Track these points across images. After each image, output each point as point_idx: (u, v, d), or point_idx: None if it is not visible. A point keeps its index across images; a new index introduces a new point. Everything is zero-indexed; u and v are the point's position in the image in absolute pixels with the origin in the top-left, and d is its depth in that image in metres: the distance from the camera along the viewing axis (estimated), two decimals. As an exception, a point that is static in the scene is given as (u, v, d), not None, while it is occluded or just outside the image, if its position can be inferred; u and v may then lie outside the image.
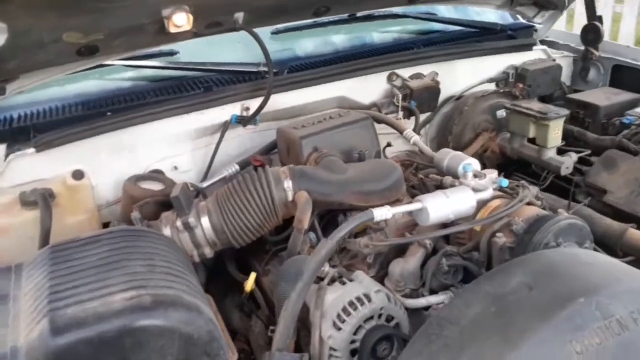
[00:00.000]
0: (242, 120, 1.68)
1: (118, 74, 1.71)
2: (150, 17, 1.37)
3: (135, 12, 1.34)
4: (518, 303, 0.86)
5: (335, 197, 1.36)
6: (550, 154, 1.72)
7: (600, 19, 2.04)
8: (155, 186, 1.52)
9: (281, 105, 1.74)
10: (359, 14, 2.02)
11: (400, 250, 1.36)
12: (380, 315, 1.09)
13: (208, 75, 1.76)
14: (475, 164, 1.43)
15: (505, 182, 1.34)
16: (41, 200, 1.31)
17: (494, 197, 1.32)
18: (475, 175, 1.35)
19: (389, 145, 1.83)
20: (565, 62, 2.20)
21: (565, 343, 0.79)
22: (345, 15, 1.97)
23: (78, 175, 1.53)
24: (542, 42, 2.28)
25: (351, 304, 1.08)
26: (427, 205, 1.19)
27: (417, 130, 1.92)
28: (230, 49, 1.81)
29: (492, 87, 2.06)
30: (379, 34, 2.08)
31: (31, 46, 1.28)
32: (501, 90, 1.99)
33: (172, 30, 1.39)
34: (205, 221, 1.34)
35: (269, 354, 1.04)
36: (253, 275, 1.25)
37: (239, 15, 1.53)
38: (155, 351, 0.91)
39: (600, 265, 0.95)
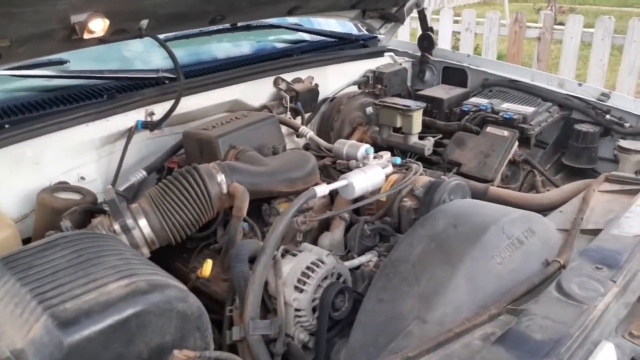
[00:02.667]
0: (148, 126, 1.72)
1: (9, 84, 1.60)
2: (60, 22, 1.36)
3: (45, 18, 1.32)
4: (449, 237, 1.15)
5: (265, 186, 1.51)
6: (414, 139, 2.10)
7: (431, 29, 2.53)
8: (74, 196, 1.49)
9: (182, 110, 1.81)
10: (239, 24, 2.18)
11: (324, 227, 1.58)
12: (333, 275, 1.29)
13: (106, 83, 1.74)
14: (369, 148, 1.72)
15: (398, 160, 1.65)
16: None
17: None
18: (374, 157, 1.64)
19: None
20: (406, 66, 2.65)
21: (489, 258, 1.08)
22: (227, 25, 2.11)
23: (-22, 193, 1.42)
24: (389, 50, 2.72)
25: (309, 268, 1.25)
26: (352, 181, 1.42)
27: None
28: (116, 57, 1.82)
29: (355, 88, 2.39)
30: (260, 42, 2.27)
31: None
32: (366, 91, 2.34)
33: (86, 36, 1.39)
34: (142, 222, 1.37)
35: (244, 325, 1.16)
36: (209, 262, 1.33)
37: (144, 22, 1.58)
38: (157, 331, 0.98)
39: (491, 206, 1.30)
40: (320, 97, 2.27)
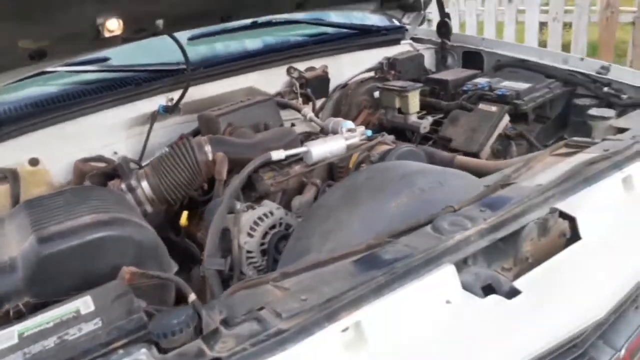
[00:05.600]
0: (167, 109, 2.07)
1: (60, 79, 2.05)
2: (87, 24, 1.74)
3: (74, 20, 1.70)
4: (361, 186, 1.32)
5: (247, 155, 1.78)
6: (413, 118, 2.23)
7: (448, 15, 2.62)
8: (101, 164, 1.88)
9: (200, 96, 2.15)
10: (260, 21, 2.47)
11: (299, 191, 1.80)
12: (281, 224, 1.51)
13: (137, 75, 2.13)
14: (350, 124, 1.91)
15: (369, 132, 1.83)
16: (10, 174, 1.64)
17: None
18: (349, 130, 1.83)
19: (293, 125, 2.30)
20: (428, 53, 2.76)
21: (386, 202, 1.24)
22: (248, 22, 2.42)
23: (34, 162, 1.86)
24: (413, 38, 2.85)
25: (259, 218, 1.50)
26: (310, 148, 1.64)
27: (315, 112, 2.39)
28: (151, 53, 2.19)
29: (370, 75, 2.57)
30: (278, 36, 2.55)
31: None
32: (377, 76, 2.51)
33: (106, 34, 1.76)
34: (144, 183, 1.71)
35: (203, 262, 1.44)
36: (185, 213, 1.63)
37: (160, 22, 1.93)
38: (115, 255, 1.26)
39: (410, 164, 1.44)
40: (335, 84, 2.49)
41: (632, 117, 1.65)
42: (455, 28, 6.71)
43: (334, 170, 1.81)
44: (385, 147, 1.72)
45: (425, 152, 1.87)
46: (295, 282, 1.03)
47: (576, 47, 5.72)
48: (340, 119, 1.98)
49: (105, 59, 2.14)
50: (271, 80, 2.33)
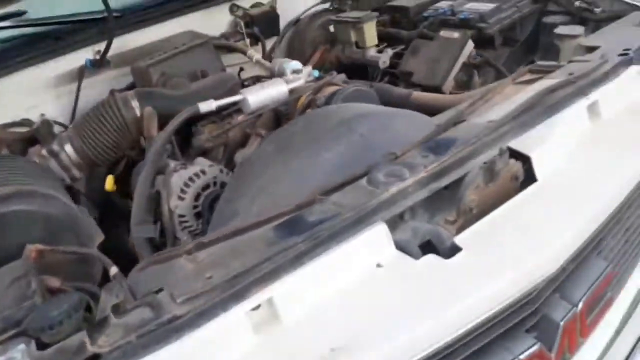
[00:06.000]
0: (95, 63, 1.86)
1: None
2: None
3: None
4: (295, 136, 1.17)
5: (180, 108, 1.60)
6: (371, 52, 2.03)
7: None
8: (22, 129, 1.69)
9: (131, 45, 1.93)
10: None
11: (244, 144, 1.64)
12: (215, 183, 1.36)
13: (58, 28, 1.90)
14: (296, 65, 1.72)
15: (316, 73, 1.65)
16: None
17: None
18: (294, 71, 1.65)
19: (242, 69, 2.10)
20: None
21: (322, 153, 1.09)
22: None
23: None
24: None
25: (190, 178, 1.35)
26: (246, 96, 1.46)
27: (265, 52, 2.19)
28: (74, 2, 1.95)
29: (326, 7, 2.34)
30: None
31: None
32: (331, 8, 2.28)
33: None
34: (68, 147, 1.54)
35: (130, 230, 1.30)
36: (110, 177, 1.48)
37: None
38: (22, 232, 1.13)
39: (353, 107, 1.28)
40: (288, 20, 2.27)
41: (603, 33, 1.47)
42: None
43: (280, 118, 1.64)
44: (333, 89, 1.55)
45: (380, 90, 1.70)
46: (208, 255, 0.89)
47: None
48: (285, 59, 1.78)
49: (21, 13, 1.90)
50: (214, 21, 2.11)
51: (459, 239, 0.88)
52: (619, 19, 1.66)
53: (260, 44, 2.17)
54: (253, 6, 2.18)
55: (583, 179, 1.01)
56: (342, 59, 2.18)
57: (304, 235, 0.85)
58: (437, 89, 1.81)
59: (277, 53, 2.28)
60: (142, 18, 1.94)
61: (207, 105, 1.41)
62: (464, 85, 1.88)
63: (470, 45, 1.83)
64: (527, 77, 1.39)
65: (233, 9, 2.14)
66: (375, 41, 2.03)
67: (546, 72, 1.36)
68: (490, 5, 1.90)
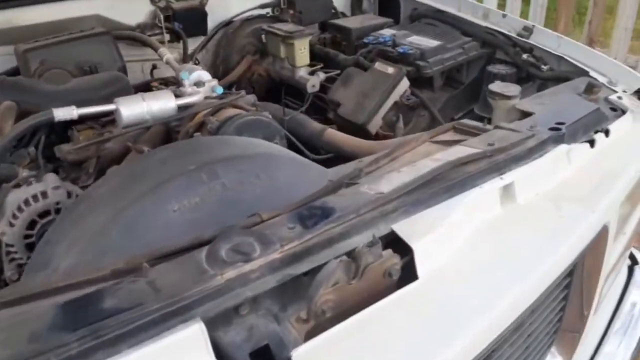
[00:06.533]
0: (-29, 36, 1.57)
1: None
2: None
3: None
4: (142, 175, 0.93)
5: (48, 107, 1.34)
6: (301, 73, 1.82)
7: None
8: None
9: (21, 22, 1.65)
10: None
11: (120, 160, 1.39)
12: (58, 211, 1.11)
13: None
14: (201, 75, 1.48)
15: (219, 90, 1.41)
16: None
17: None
18: (196, 83, 1.41)
19: (154, 67, 1.84)
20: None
21: (164, 204, 0.86)
22: None
23: None
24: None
25: (26, 201, 1.09)
26: (119, 107, 1.21)
27: (186, 53, 1.94)
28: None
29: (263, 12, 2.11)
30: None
31: None
32: (268, 15, 2.05)
33: None
34: None
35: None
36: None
37: None
38: None
39: (233, 144, 1.05)
40: (219, 20, 2.03)
41: (541, 98, 1.30)
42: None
43: (171, 134, 1.40)
44: (233, 112, 1.32)
45: (294, 121, 1.49)
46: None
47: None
48: (194, 67, 1.54)
49: None
50: (128, 8, 1.84)
51: (304, 349, 0.67)
52: (565, 81, 1.51)
53: (181, 42, 1.92)
54: (180, -1, 1.93)
55: (478, 280, 0.82)
56: (271, 73, 1.96)
57: (82, 330, 0.62)
58: (361, 127, 1.62)
59: (202, 55, 2.04)
60: (38, -8, 1.66)
61: (66, 113, 1.15)
62: (393, 126, 1.69)
63: (404, 83, 1.64)
64: (448, 136, 1.20)
65: (155, -2, 1.88)
66: (307, 61, 1.82)
67: (470, 133, 1.18)
68: (435, 43, 1.72)
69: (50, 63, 1.46)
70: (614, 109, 1.30)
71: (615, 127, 1.22)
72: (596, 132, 1.20)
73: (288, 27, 1.83)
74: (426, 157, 1.03)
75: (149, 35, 1.84)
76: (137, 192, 0.87)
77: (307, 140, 1.44)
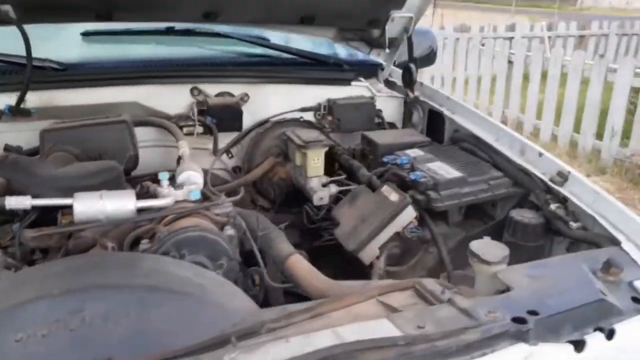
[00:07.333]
0: (13, 111, 1.72)
1: None
2: None
3: None
4: (26, 284, 0.88)
5: (34, 190, 1.37)
6: (312, 184, 1.73)
7: (415, 61, 2.08)
8: None
9: (62, 102, 1.78)
10: (177, 28, 2.07)
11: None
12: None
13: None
14: (193, 177, 1.45)
15: (197, 195, 1.36)
16: None
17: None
18: (171, 185, 1.38)
19: (180, 158, 1.88)
20: (396, 102, 2.22)
21: (9, 332, 0.79)
22: (163, 27, 2.03)
23: None
24: (387, 81, 2.33)
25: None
26: (74, 203, 1.21)
27: (216, 147, 1.96)
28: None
29: (308, 116, 2.08)
30: (201, 48, 2.13)
31: None
32: (301, 119, 2.02)
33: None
34: None
35: None
36: None
37: (7, 8, 1.59)
38: None
39: (135, 266, 0.97)
40: (258, 118, 2.04)
41: (542, 268, 1.05)
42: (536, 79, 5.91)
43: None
44: (188, 223, 1.25)
45: (267, 238, 1.38)
46: None
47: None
48: (193, 166, 1.52)
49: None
50: (166, 98, 1.92)
51: None
52: (594, 246, 1.24)
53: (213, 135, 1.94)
54: (219, 95, 1.98)
55: None
56: (292, 178, 1.89)
57: None
58: (349, 253, 1.46)
59: (237, 150, 2.04)
60: (82, 77, 1.80)
61: (18, 202, 1.17)
62: (394, 260, 1.51)
63: (409, 213, 1.46)
64: (403, 297, 1.01)
65: (194, 91, 1.95)
66: (320, 172, 1.73)
67: (426, 300, 0.98)
68: (456, 174, 1.53)
69: (61, 146, 1.54)
70: (637, 300, 1.01)
71: (625, 327, 0.94)
72: (595, 329, 0.94)
73: (309, 135, 1.77)
74: (342, 325, 0.86)
75: (182, 127, 1.89)
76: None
77: (273, 262, 1.33)
